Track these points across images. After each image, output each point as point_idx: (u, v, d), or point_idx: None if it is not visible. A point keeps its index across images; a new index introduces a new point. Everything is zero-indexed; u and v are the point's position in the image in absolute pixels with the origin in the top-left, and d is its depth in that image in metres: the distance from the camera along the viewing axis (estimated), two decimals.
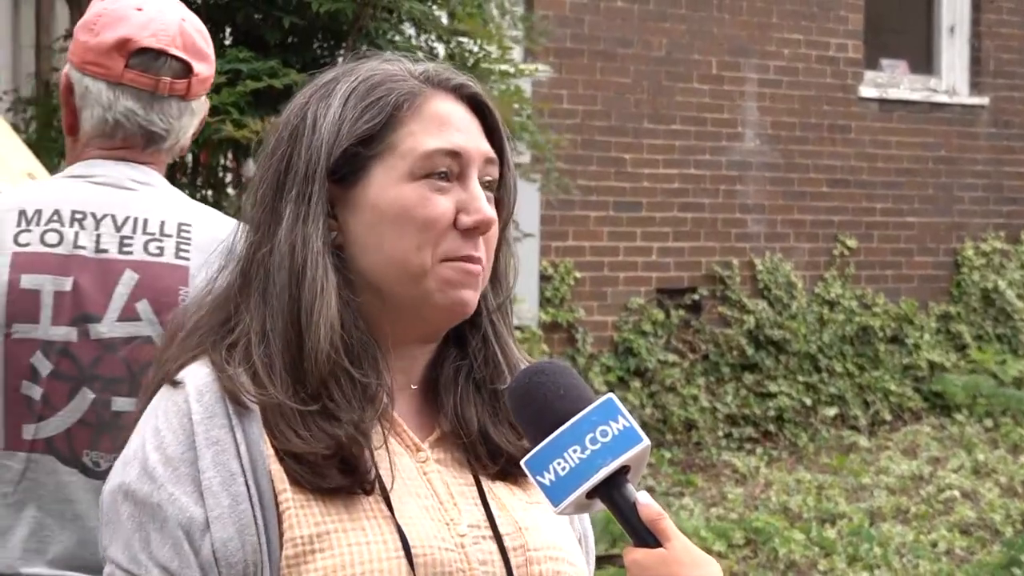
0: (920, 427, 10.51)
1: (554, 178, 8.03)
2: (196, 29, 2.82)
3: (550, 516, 1.78)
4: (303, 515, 1.70)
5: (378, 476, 1.73)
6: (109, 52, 2.75)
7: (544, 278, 9.63)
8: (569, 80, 9.76)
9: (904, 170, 11.34)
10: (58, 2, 6.85)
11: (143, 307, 2.66)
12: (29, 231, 2.68)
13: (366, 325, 1.77)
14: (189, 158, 5.84)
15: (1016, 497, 8.72)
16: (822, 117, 10.92)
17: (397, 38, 5.98)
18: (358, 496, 1.72)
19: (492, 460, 1.82)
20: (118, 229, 2.70)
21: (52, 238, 2.68)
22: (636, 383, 9.82)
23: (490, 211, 1.79)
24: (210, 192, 5.92)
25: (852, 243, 11.02)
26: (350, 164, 1.78)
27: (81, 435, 2.65)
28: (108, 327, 2.66)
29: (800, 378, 10.49)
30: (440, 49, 6.17)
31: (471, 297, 1.79)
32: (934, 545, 7.83)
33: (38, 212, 2.69)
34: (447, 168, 1.78)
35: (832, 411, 10.53)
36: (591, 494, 1.64)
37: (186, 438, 1.72)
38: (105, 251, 2.68)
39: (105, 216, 2.70)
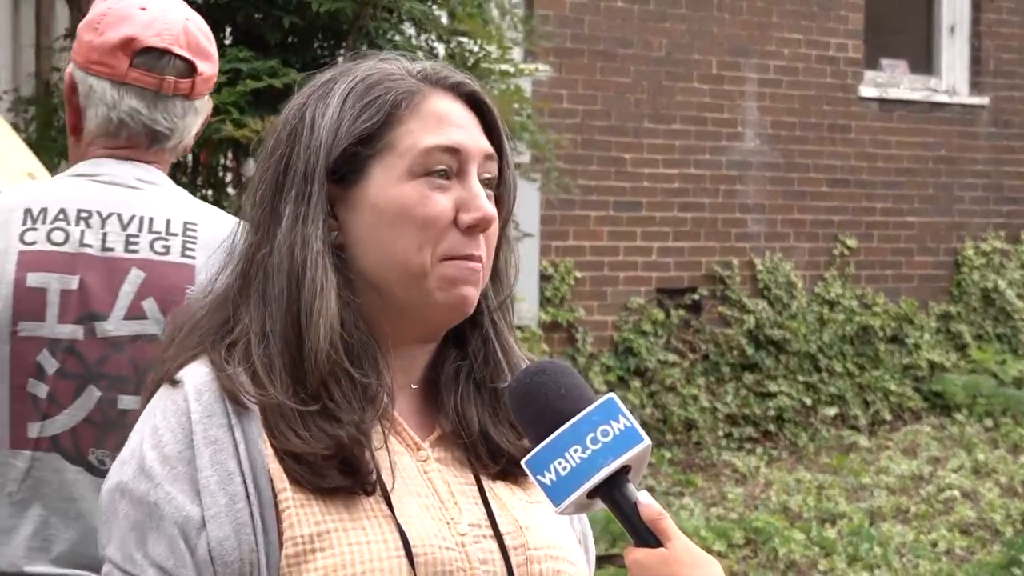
0: (920, 427, 10.50)
1: (554, 178, 8.03)
2: (200, 29, 2.83)
3: (550, 515, 1.78)
4: (303, 514, 1.70)
5: (379, 477, 1.73)
6: (113, 51, 2.75)
7: (544, 278, 9.63)
8: (569, 80, 9.76)
9: (904, 170, 11.34)
10: (58, 2, 6.85)
11: (149, 305, 2.67)
12: (35, 229, 2.68)
13: (366, 325, 1.77)
14: (189, 158, 5.84)
15: (1016, 497, 8.72)
16: (822, 117, 10.92)
17: (397, 38, 5.99)
18: (358, 495, 1.72)
19: (493, 460, 1.82)
20: (124, 228, 2.71)
21: (58, 236, 2.68)
22: (636, 383, 9.82)
23: (490, 208, 1.79)
24: (210, 192, 5.92)
25: (852, 243, 11.02)
26: (349, 164, 1.78)
27: (87, 433, 2.65)
28: (115, 325, 2.66)
29: (800, 378, 10.49)
30: (440, 49, 6.17)
31: (472, 294, 1.79)
32: (934, 545, 7.83)
33: (44, 211, 2.70)
34: (446, 166, 1.78)
35: (832, 411, 10.53)
36: (592, 494, 1.63)
37: (184, 437, 1.72)
38: (111, 249, 2.69)
39: (111, 215, 2.71)
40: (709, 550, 6.97)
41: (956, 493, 8.69)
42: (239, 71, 5.59)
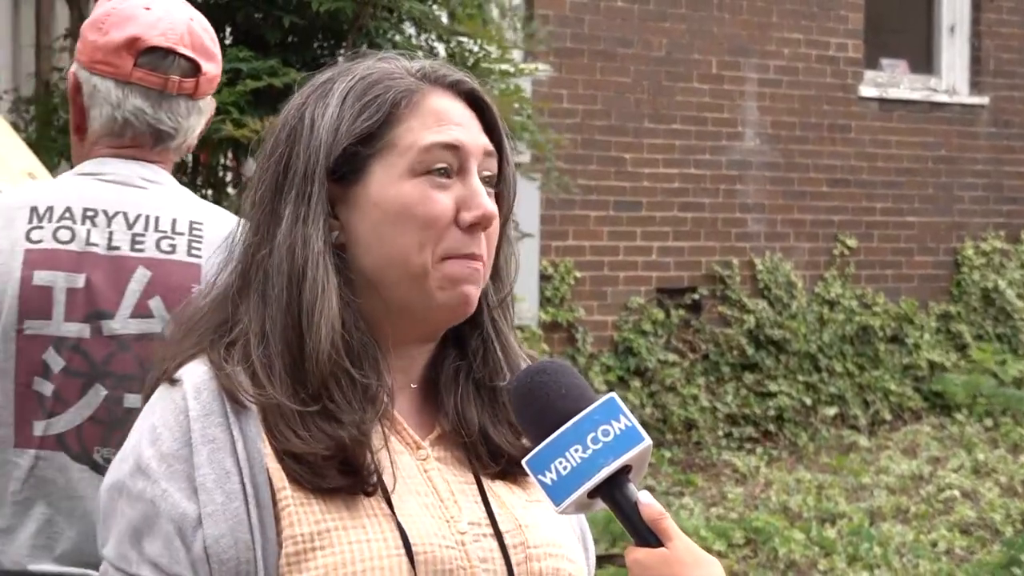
0: (920, 427, 10.51)
1: (554, 177, 8.03)
2: (204, 29, 2.84)
3: (549, 514, 1.78)
4: (303, 513, 1.70)
5: (380, 479, 1.73)
6: (118, 51, 2.76)
7: (544, 277, 9.63)
8: (569, 80, 9.76)
9: (904, 170, 11.34)
10: (58, 2, 6.85)
11: (156, 304, 2.68)
12: (41, 228, 2.69)
13: (366, 326, 1.76)
14: (189, 158, 5.83)
15: (1016, 497, 8.72)
16: (822, 117, 10.92)
17: (397, 37, 5.98)
18: (358, 495, 1.72)
19: (493, 460, 1.82)
20: (130, 227, 2.72)
21: (64, 235, 2.69)
22: (636, 383, 9.82)
23: (491, 206, 1.79)
24: (210, 191, 5.92)
25: (852, 243, 11.02)
26: (350, 163, 1.77)
27: (92, 432, 2.66)
28: (121, 324, 2.67)
29: (800, 378, 10.49)
30: (440, 48, 6.17)
31: (473, 293, 1.79)
32: (934, 545, 7.83)
33: (50, 209, 2.71)
34: (447, 164, 1.78)
35: (832, 411, 10.53)
36: (593, 493, 1.63)
37: (182, 435, 1.72)
38: (117, 248, 2.70)
39: (117, 213, 2.72)
40: (709, 550, 6.96)
41: (956, 493, 8.69)
42: (239, 71, 5.59)
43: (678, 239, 10.27)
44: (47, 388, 2.65)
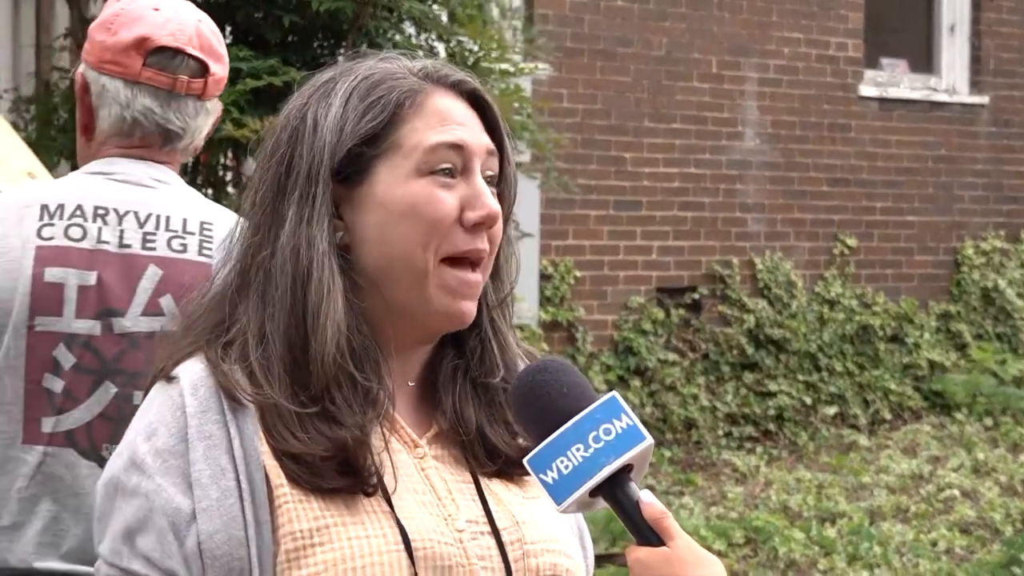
0: (920, 426, 10.51)
1: (554, 177, 8.03)
2: (211, 30, 2.86)
3: (546, 510, 1.78)
4: (302, 509, 1.70)
5: (380, 480, 1.73)
6: (127, 51, 2.77)
7: (544, 277, 9.63)
8: (569, 79, 9.76)
9: (904, 169, 11.34)
10: (58, 2, 6.85)
11: (167, 302, 2.69)
12: (52, 225, 2.70)
13: (369, 328, 1.76)
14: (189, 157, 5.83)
15: (1016, 496, 8.72)
16: (822, 116, 10.92)
17: (397, 37, 5.98)
18: (358, 494, 1.72)
19: (490, 460, 1.82)
20: (141, 225, 2.72)
21: (76, 232, 2.70)
22: (636, 382, 9.82)
23: (495, 205, 1.79)
24: (210, 191, 5.92)
25: (852, 242, 11.02)
26: (354, 164, 1.77)
27: (102, 429, 2.66)
28: (132, 321, 2.68)
29: (800, 377, 10.49)
30: (440, 48, 6.17)
31: (470, 309, 1.79)
32: (934, 544, 7.83)
33: (60, 207, 2.71)
34: (451, 163, 1.78)
35: (832, 410, 10.53)
36: (594, 492, 1.63)
37: (179, 431, 1.72)
38: (128, 246, 2.71)
39: (127, 212, 2.73)
40: (709, 549, 6.96)
41: (956, 492, 8.69)
42: (239, 70, 5.58)
43: (678, 238, 10.27)
44: (57, 385, 2.65)
